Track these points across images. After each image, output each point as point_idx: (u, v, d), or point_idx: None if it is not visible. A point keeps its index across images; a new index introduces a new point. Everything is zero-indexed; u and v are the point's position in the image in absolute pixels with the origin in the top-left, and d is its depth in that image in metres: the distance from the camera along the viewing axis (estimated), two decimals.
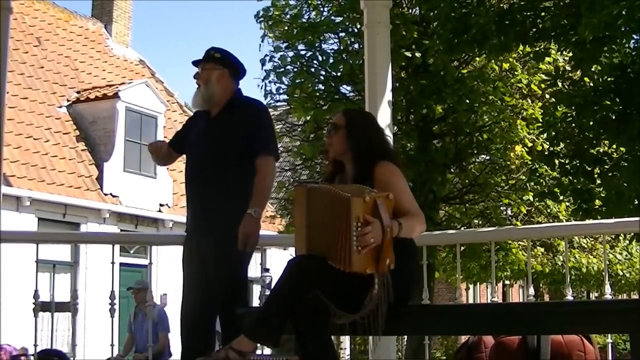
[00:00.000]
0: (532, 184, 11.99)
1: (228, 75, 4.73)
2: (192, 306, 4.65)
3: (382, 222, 3.42)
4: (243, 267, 4.63)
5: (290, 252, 4.86)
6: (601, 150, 9.16)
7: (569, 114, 9.02)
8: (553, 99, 9.87)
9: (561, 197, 9.92)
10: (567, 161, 9.20)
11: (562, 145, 9.41)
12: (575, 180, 9.04)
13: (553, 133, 9.38)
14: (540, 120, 11.51)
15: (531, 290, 5.33)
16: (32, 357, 10.35)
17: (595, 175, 8.92)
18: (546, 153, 9.82)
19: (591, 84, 8.94)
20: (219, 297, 4.55)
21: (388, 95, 5.71)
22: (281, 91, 14.01)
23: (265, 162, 4.58)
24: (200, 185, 4.64)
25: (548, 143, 10.00)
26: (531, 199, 13.53)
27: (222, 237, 4.48)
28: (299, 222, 3.74)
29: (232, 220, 4.46)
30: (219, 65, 4.71)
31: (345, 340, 16.02)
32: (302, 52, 13.76)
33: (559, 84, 9.98)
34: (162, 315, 10.10)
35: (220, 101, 4.68)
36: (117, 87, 18.83)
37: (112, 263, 5.41)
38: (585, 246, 19.30)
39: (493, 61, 13.24)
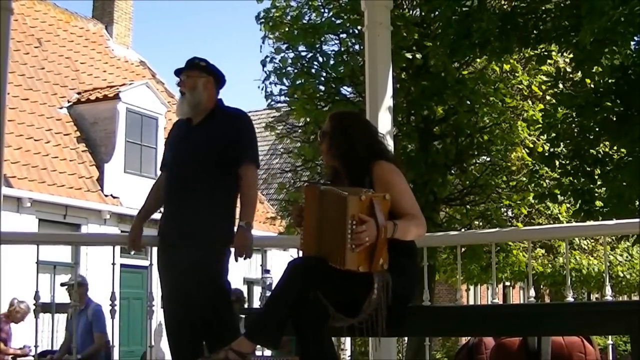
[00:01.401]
0: (533, 185, 12.00)
1: (213, 83, 4.79)
2: (175, 314, 4.66)
3: (377, 222, 3.43)
4: (224, 275, 4.65)
5: (291, 254, 4.90)
6: (601, 150, 9.15)
7: (569, 115, 9.02)
8: (554, 100, 9.86)
9: (561, 198, 9.92)
10: (567, 162, 9.20)
11: (562, 146, 9.41)
12: (575, 181, 9.04)
13: (553, 134, 9.39)
14: (540, 122, 11.51)
15: (532, 292, 5.33)
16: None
17: (596, 176, 8.92)
18: (546, 154, 9.82)
19: (592, 86, 8.94)
20: (201, 305, 4.55)
21: (389, 97, 5.72)
22: (282, 92, 14.02)
23: (248, 171, 4.67)
24: (181, 192, 4.65)
25: (548, 144, 10.00)
26: (532, 200, 13.53)
27: (204, 245, 4.50)
28: (308, 223, 3.73)
29: (213, 228, 4.54)
30: (204, 73, 4.78)
31: (346, 342, 16.03)
32: (303, 54, 13.76)
33: (560, 85, 9.98)
34: (98, 314, 9.08)
35: (205, 109, 4.74)
36: (117, 88, 18.82)
37: (113, 264, 5.40)
38: (586, 247, 19.32)
39: (494, 62, 13.24)
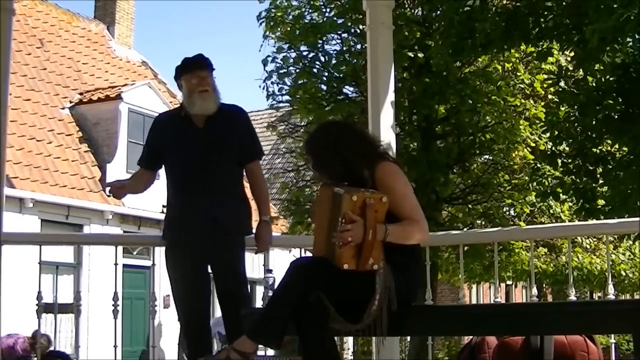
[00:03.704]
0: (535, 184, 12.00)
1: None
2: (196, 309, 4.72)
3: (365, 223, 3.43)
4: (244, 264, 4.81)
5: (294, 254, 4.94)
6: (604, 149, 9.14)
7: (571, 113, 9.01)
8: (556, 99, 9.86)
9: (563, 197, 9.91)
10: (569, 160, 9.19)
11: (564, 144, 9.41)
12: (577, 180, 9.03)
13: (556, 132, 9.38)
14: (543, 120, 11.50)
15: (534, 291, 5.32)
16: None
17: (598, 175, 8.91)
18: (549, 152, 9.81)
19: (594, 84, 8.93)
20: (228, 298, 4.65)
21: (391, 96, 5.71)
22: (284, 92, 14.03)
23: (259, 166, 4.96)
24: (203, 190, 4.70)
25: (551, 143, 10.00)
26: (534, 199, 13.52)
27: (229, 239, 4.65)
28: (320, 223, 3.74)
29: (236, 222, 4.73)
30: (212, 74, 4.89)
31: (349, 341, 16.04)
32: (305, 53, 13.78)
33: (562, 83, 9.97)
34: None
35: None
36: (119, 89, 18.82)
37: (115, 264, 5.40)
38: (588, 246, 19.28)
39: (495, 61, 13.24)
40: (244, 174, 4.95)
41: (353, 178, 3.69)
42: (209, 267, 4.71)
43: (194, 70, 4.80)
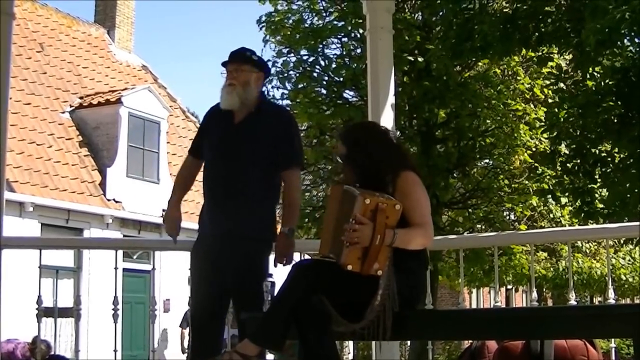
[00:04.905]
0: (533, 181, 12.01)
1: (262, 78, 4.73)
2: (204, 309, 4.65)
3: (374, 227, 3.43)
4: (266, 272, 4.65)
5: (295, 258, 4.88)
6: (602, 149, 9.15)
7: (571, 114, 9.04)
8: (556, 99, 9.88)
9: (564, 200, 9.94)
10: (568, 160, 9.21)
11: (563, 145, 9.44)
12: (576, 180, 9.04)
13: (555, 133, 9.40)
14: (543, 120, 11.51)
15: (534, 295, 5.32)
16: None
17: (596, 176, 8.93)
18: (548, 152, 9.84)
19: (593, 87, 8.95)
20: (245, 301, 4.52)
21: (391, 100, 5.72)
22: (284, 96, 14.03)
23: (294, 175, 4.67)
24: (229, 188, 4.56)
25: (550, 143, 10.03)
26: (534, 203, 13.53)
27: (251, 243, 4.50)
28: (328, 221, 3.75)
29: (260, 226, 4.56)
30: (255, 68, 4.66)
31: (349, 345, 16.04)
32: (305, 57, 13.80)
33: (561, 84, 10.00)
34: None
35: (252, 105, 4.62)
36: (119, 93, 18.82)
37: (115, 268, 5.39)
38: (588, 251, 19.31)
39: (495, 65, 13.26)
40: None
41: (373, 178, 3.71)
42: (226, 271, 4.56)
43: (226, 64, 4.67)
